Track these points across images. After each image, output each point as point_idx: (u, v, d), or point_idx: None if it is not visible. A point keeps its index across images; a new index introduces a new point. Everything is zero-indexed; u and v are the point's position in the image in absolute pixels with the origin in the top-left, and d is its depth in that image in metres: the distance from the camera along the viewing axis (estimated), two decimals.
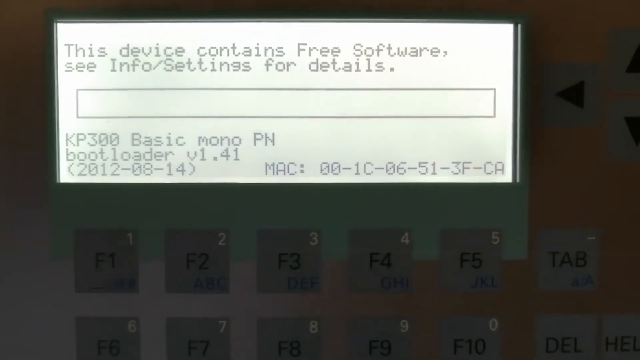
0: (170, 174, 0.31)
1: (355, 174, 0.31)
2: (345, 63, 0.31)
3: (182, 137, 0.31)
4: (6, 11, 0.30)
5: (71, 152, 0.31)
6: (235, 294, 0.31)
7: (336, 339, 0.31)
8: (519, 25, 0.30)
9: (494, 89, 0.31)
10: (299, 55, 0.31)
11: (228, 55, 0.31)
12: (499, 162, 0.31)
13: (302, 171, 0.31)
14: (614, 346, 0.31)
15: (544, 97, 0.31)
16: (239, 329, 0.31)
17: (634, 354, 0.31)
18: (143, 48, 0.31)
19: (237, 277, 0.31)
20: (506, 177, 0.31)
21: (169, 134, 0.31)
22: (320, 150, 0.31)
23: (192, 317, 0.31)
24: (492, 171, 0.31)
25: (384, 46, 0.31)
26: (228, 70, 0.31)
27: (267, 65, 0.31)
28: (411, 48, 0.31)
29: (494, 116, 0.31)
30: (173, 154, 0.31)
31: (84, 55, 0.31)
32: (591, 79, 0.31)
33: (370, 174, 0.31)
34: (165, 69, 0.31)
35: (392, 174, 0.31)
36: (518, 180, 0.31)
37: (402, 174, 0.31)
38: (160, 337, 0.31)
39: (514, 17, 0.30)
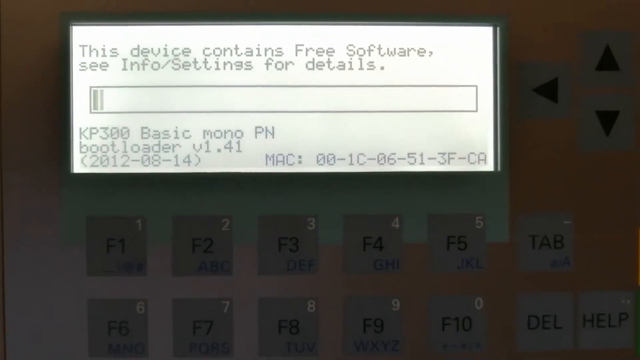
0: (177, 165, 0.33)
1: (349, 164, 0.33)
2: (339, 62, 0.33)
3: (188, 131, 0.33)
4: (25, 14, 0.32)
5: (84, 145, 0.33)
6: (237, 276, 0.33)
7: (332, 318, 0.33)
8: (498, 28, 0.33)
9: (476, 86, 0.34)
10: (296, 55, 0.33)
11: (231, 55, 0.33)
12: (481, 153, 0.34)
13: (299, 162, 0.33)
14: (590, 323, 0.34)
15: (521, 93, 0.33)
16: (241, 309, 0.33)
17: (609, 330, 0.34)
18: (152, 49, 0.33)
19: (240, 260, 0.33)
20: (488, 166, 0.34)
21: (176, 127, 0.33)
22: (316, 143, 0.33)
23: (197, 298, 0.33)
24: (475, 161, 0.34)
25: (374, 47, 0.33)
26: (231, 69, 0.33)
27: (267, 64, 0.33)
28: (400, 48, 0.33)
29: (476, 110, 0.34)
30: (180, 146, 0.33)
31: (97, 56, 0.33)
32: (564, 76, 0.33)
33: (363, 164, 0.33)
34: (173, 67, 0.33)
35: (383, 164, 0.33)
36: (499, 169, 0.33)
37: (393, 164, 0.33)
38: (166, 318, 0.33)
39: (493, 20, 0.33)
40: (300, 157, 0.33)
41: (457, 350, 0.33)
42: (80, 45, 0.33)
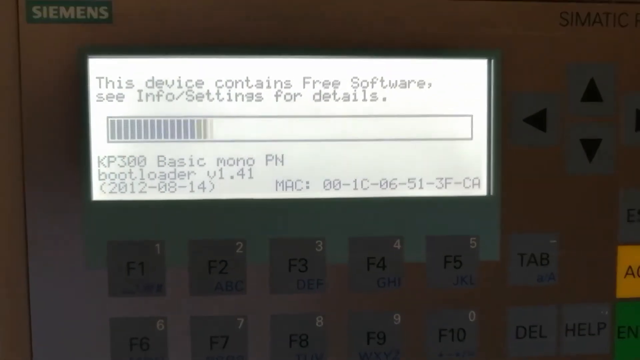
0: (192, 191, 0.35)
1: (354, 189, 0.36)
2: (344, 94, 0.35)
3: (202, 159, 0.35)
4: (44, 48, 0.34)
5: (103, 173, 0.35)
6: (251, 294, 0.35)
7: (339, 331, 0.36)
8: (492, 61, 0.36)
9: (471, 115, 0.36)
10: (304, 87, 0.35)
11: (242, 87, 0.35)
12: (475, 178, 0.36)
13: (307, 187, 0.35)
14: (572, 332, 0.37)
15: (512, 122, 0.36)
16: (254, 325, 0.35)
17: (589, 338, 0.37)
18: (167, 80, 0.35)
19: (253, 280, 0.35)
20: (482, 190, 0.36)
21: (191, 156, 0.35)
22: (323, 169, 0.35)
23: (214, 316, 0.35)
24: (470, 185, 0.36)
25: (377, 79, 0.35)
26: (242, 100, 0.35)
27: (277, 96, 0.35)
28: (400, 80, 0.36)
29: (471, 138, 0.36)
30: (195, 174, 0.35)
31: (113, 87, 0.35)
32: (552, 106, 0.36)
33: (366, 189, 0.36)
34: (187, 99, 0.35)
35: (385, 188, 0.36)
36: (492, 193, 0.36)
37: (394, 188, 0.36)
38: (185, 334, 0.35)
39: (487, 54, 0.35)
40: (307, 182, 0.35)
41: (452, 358, 0.36)
42: (97, 77, 0.34)
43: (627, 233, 0.37)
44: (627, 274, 0.37)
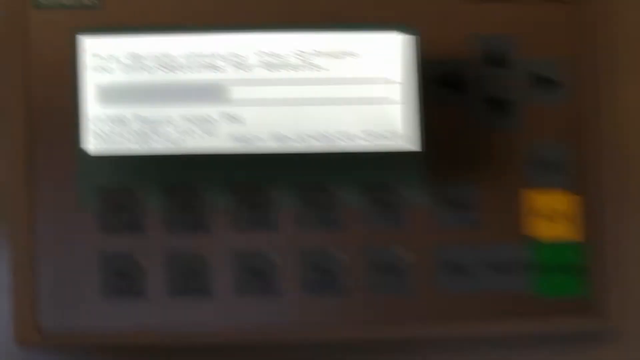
0: (167, 145, 0.42)
1: (299, 144, 0.42)
2: (289, 63, 0.42)
3: (172, 117, 0.42)
4: (40, 31, 0.42)
5: (94, 130, 0.42)
6: (215, 233, 0.41)
7: (291, 266, 0.42)
8: (413, 35, 0.42)
9: (397, 82, 0.43)
10: (257, 58, 0.42)
11: (204, 59, 0.42)
12: (402, 135, 0.42)
13: (260, 141, 0.42)
14: (494, 269, 0.42)
15: (431, 87, 0.43)
16: (219, 259, 0.41)
17: (508, 275, 0.42)
18: (146, 55, 0.42)
19: (216, 221, 0.42)
20: (409, 146, 0.42)
21: (168, 116, 0.42)
22: (274, 126, 0.42)
23: (185, 252, 0.42)
24: (397, 141, 0.42)
25: (316, 51, 0.42)
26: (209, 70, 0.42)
27: (234, 66, 0.42)
28: (336, 51, 0.42)
29: (398, 102, 0.43)
30: (169, 132, 0.42)
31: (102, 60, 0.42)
32: (463, 71, 0.42)
33: (309, 143, 0.42)
34: (161, 70, 0.42)
35: (325, 143, 0.42)
36: (418, 148, 0.42)
37: (332, 143, 0.42)
38: (162, 266, 0.41)
39: (408, 27, 0.42)
40: (261, 138, 0.42)
41: (388, 295, 0.42)
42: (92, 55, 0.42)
43: (536, 179, 0.43)
44: (539, 216, 0.43)
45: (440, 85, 0.43)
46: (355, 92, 0.43)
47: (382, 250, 0.42)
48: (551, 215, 0.43)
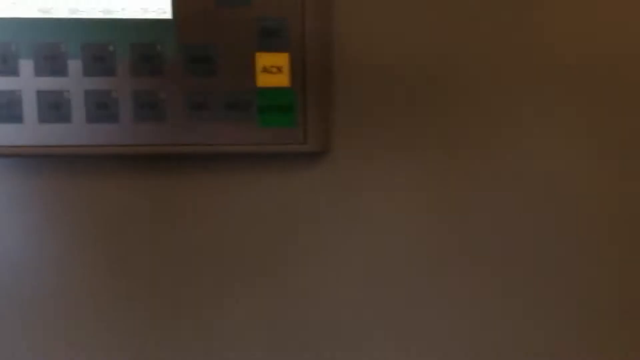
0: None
1: (74, 14, 0.58)
2: None
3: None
4: None
5: None
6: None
7: (79, 101, 0.59)
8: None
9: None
10: None
11: None
12: (159, 8, 0.59)
13: (58, 12, 0.58)
14: (230, 108, 0.60)
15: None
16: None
17: (241, 112, 0.61)
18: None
19: (24, 69, 0.58)
20: (166, 15, 0.59)
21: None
22: (70, 2, 0.58)
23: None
24: (155, 10, 0.59)
25: None
26: None
27: None
28: None
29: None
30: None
31: None
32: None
33: (83, 11, 0.58)
34: None
35: (98, 14, 0.59)
36: (170, 17, 0.59)
37: (106, 13, 0.59)
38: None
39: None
40: (55, 10, 0.58)
41: (149, 119, 0.60)
42: None
43: (261, 44, 0.60)
44: (262, 71, 0.60)
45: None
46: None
47: (147, 93, 0.59)
48: (271, 69, 0.60)
